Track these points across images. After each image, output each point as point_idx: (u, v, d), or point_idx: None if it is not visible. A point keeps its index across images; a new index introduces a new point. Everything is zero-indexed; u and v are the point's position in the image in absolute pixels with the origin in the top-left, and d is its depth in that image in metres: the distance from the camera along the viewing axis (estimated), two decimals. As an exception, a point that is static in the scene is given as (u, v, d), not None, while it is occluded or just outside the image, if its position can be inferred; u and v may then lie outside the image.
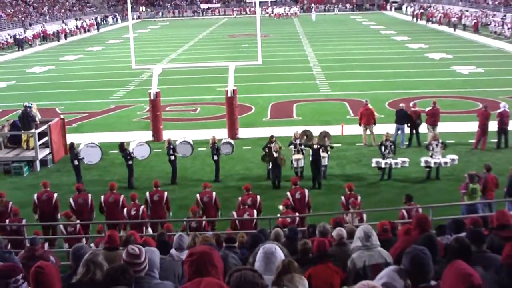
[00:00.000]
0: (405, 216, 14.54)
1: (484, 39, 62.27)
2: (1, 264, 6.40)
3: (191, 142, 22.49)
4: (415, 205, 15.11)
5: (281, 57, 52.51)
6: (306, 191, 17.15)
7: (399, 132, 24.91)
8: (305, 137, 21.94)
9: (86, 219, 16.84)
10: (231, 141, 23.04)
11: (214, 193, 17.05)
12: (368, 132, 25.39)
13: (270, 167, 21.38)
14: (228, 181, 21.52)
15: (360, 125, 25.55)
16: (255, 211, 15.93)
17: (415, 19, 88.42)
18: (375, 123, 25.38)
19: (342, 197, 16.49)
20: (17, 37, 70.43)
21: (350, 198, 16.23)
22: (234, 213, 15.87)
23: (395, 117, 25.20)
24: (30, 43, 71.53)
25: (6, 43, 71.07)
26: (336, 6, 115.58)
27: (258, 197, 16.69)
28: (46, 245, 14.70)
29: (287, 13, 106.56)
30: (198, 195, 16.91)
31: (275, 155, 20.87)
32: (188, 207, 16.77)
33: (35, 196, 17.41)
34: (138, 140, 22.53)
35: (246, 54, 51.32)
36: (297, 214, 15.88)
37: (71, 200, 17.15)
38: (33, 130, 24.28)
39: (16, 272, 6.00)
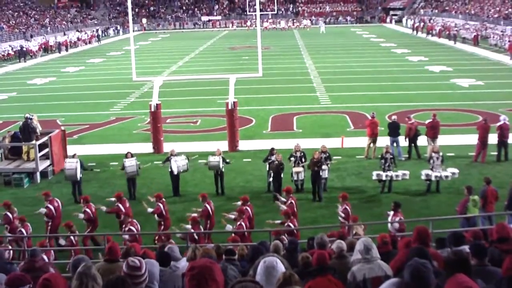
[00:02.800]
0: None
1: (484, 52, 62.42)
2: (11, 274, 6.46)
3: (180, 163, 21.94)
4: (401, 214, 15.62)
5: (282, 69, 52.63)
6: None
7: (395, 144, 24.94)
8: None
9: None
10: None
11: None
12: (371, 144, 25.40)
13: (271, 179, 21.41)
14: (228, 193, 21.46)
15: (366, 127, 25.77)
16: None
17: (415, 31, 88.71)
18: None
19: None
20: (23, 49, 70.41)
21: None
22: (243, 223, 15.99)
23: (388, 130, 25.29)
24: (31, 54, 71.59)
25: (7, 54, 71.16)
26: (323, 18, 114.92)
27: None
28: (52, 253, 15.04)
29: (275, 27, 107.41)
30: (208, 206, 17.20)
31: (276, 161, 21.00)
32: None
33: (51, 206, 17.62)
34: (133, 162, 21.97)
35: (247, 66, 51.43)
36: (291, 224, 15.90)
37: (88, 210, 17.39)
38: (33, 142, 24.32)
39: (26, 282, 6.06)
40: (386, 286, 5.57)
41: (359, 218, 16.04)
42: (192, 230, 15.70)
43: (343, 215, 16.84)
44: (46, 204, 17.80)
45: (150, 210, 17.63)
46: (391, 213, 15.88)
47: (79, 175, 21.46)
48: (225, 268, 8.16)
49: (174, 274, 8.30)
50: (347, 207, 16.85)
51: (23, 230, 16.11)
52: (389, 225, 15.66)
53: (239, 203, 17.25)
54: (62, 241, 16.20)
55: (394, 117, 26.03)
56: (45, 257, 14.35)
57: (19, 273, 6.55)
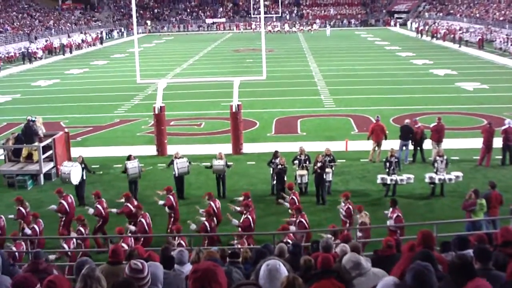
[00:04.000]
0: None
1: (489, 56, 62.37)
2: (18, 275, 6.47)
3: (180, 165, 21.82)
4: (399, 210, 16.39)
5: (286, 72, 52.62)
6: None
7: (404, 148, 24.90)
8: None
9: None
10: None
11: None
12: (376, 148, 25.34)
13: (274, 182, 21.42)
14: (232, 196, 21.40)
15: (368, 138, 25.57)
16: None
17: (419, 35, 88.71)
18: (386, 138, 25.33)
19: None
20: (29, 50, 70.73)
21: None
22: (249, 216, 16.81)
23: (400, 133, 25.21)
24: (35, 56, 71.60)
25: (11, 56, 71.16)
26: (329, 22, 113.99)
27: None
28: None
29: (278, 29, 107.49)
30: (213, 204, 17.87)
31: (280, 166, 21.06)
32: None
33: (65, 202, 18.21)
34: (135, 164, 21.86)
35: (251, 69, 51.47)
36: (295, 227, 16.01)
37: (99, 206, 18.07)
38: (36, 144, 24.39)
39: (33, 284, 6.07)
40: (385, 283, 5.58)
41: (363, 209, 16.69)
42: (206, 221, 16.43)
43: (344, 213, 17.36)
44: (59, 201, 18.32)
45: (161, 202, 18.33)
46: (390, 210, 16.49)
47: (76, 180, 21.46)
48: (230, 271, 8.14)
49: (178, 278, 8.28)
50: (349, 206, 17.18)
51: (36, 226, 16.72)
52: (387, 221, 16.29)
53: (241, 198, 18.14)
54: (73, 234, 16.60)
55: (407, 120, 25.90)
56: (65, 245, 15.50)
57: (26, 274, 6.55)
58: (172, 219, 18.25)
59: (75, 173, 21.32)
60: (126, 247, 14.29)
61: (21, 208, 17.78)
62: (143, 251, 10.72)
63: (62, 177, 21.56)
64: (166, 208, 18.31)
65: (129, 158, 21.82)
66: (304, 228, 16.12)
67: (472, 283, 5.35)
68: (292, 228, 15.99)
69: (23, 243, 15.71)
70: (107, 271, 8.51)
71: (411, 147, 25.08)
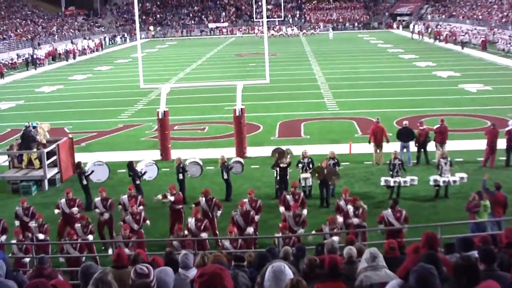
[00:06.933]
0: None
1: (492, 57, 62.27)
2: (35, 280, 6.52)
3: (201, 163, 22.70)
4: (401, 210, 16.38)
5: (289, 75, 52.60)
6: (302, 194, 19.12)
7: (405, 150, 24.81)
8: (276, 155, 21.90)
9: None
10: (241, 160, 23.01)
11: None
12: (378, 150, 25.28)
13: (277, 186, 21.41)
14: (237, 200, 21.35)
15: (369, 142, 25.50)
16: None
17: (421, 37, 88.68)
18: (387, 141, 25.27)
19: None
20: (34, 56, 70.99)
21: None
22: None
23: (399, 135, 25.13)
24: (39, 62, 71.73)
25: (14, 63, 71.27)
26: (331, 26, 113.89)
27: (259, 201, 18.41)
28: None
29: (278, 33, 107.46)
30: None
31: (284, 165, 21.07)
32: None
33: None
34: (147, 160, 22.49)
35: (254, 73, 51.47)
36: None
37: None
38: (34, 150, 24.50)
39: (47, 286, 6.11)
40: (391, 286, 5.59)
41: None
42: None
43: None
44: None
45: (172, 198, 18.51)
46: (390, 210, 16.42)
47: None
48: (236, 275, 8.12)
49: (184, 282, 8.27)
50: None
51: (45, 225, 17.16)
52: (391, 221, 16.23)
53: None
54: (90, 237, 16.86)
55: (405, 122, 25.79)
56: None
57: (40, 280, 6.57)
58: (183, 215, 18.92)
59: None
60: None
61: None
62: (146, 256, 10.73)
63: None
64: (175, 205, 18.67)
65: (130, 164, 21.92)
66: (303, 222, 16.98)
67: (484, 285, 5.35)
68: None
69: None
70: (113, 275, 8.52)
71: (412, 149, 25.01)
